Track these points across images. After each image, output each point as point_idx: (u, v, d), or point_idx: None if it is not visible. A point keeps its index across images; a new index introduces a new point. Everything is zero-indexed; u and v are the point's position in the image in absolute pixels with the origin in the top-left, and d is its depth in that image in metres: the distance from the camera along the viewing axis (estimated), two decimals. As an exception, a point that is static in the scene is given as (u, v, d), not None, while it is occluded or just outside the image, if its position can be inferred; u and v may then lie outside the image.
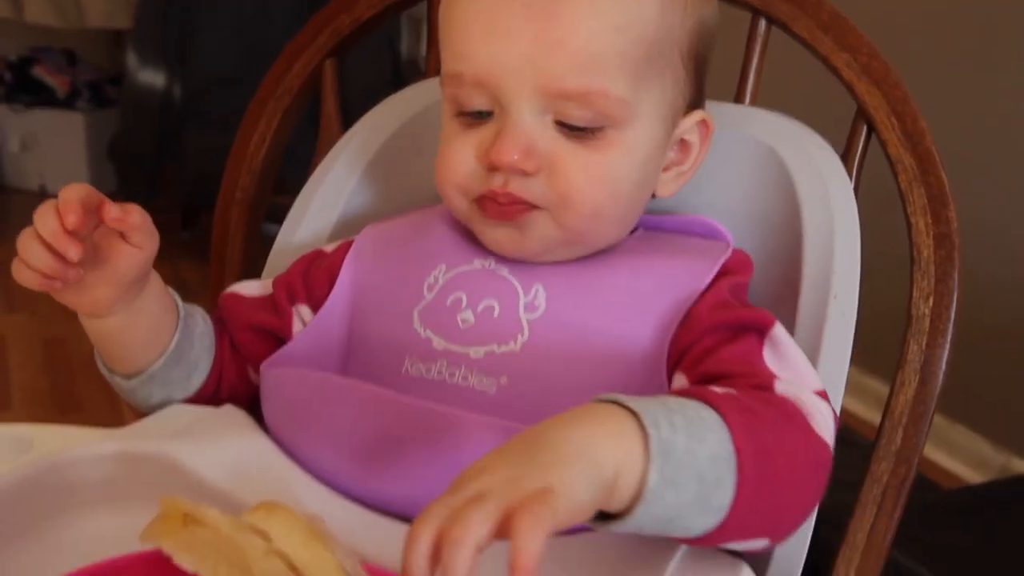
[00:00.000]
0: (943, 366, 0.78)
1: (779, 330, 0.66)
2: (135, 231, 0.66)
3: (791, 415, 0.59)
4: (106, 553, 0.53)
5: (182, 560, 0.53)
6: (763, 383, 0.61)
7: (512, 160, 0.65)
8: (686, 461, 0.51)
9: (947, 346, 0.78)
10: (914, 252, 0.79)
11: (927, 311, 0.78)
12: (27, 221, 0.64)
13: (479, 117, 0.68)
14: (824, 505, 0.72)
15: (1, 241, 3.42)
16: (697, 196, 0.80)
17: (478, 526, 0.44)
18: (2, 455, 0.65)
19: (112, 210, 0.63)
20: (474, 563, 0.43)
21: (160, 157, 3.26)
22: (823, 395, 0.63)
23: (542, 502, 0.44)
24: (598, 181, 0.68)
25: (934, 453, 2.25)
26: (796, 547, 0.71)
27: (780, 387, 0.61)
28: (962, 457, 2.24)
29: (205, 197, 3.15)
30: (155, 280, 0.71)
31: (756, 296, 0.73)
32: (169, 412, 0.72)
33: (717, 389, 0.58)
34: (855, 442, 1.26)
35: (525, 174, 0.66)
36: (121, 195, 3.74)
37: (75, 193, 0.62)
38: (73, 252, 0.61)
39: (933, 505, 1.55)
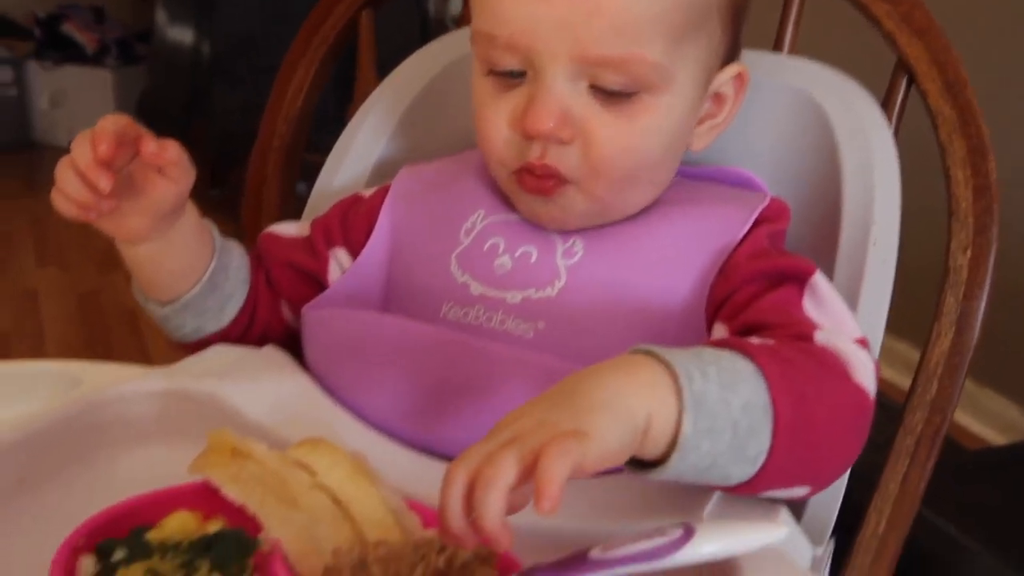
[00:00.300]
0: (980, 318, 0.78)
1: (819, 278, 0.66)
2: (171, 166, 0.67)
3: (830, 364, 0.59)
4: (154, 485, 0.54)
5: (229, 491, 0.54)
6: (803, 333, 0.61)
7: (548, 128, 0.65)
8: (720, 411, 0.52)
9: (984, 298, 0.78)
10: (952, 204, 0.78)
11: (964, 263, 0.78)
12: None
13: (511, 77, 0.67)
14: (854, 465, 0.73)
15: (32, 196, 3.47)
16: (735, 145, 0.80)
17: (509, 468, 0.45)
18: (53, 391, 0.66)
19: (149, 145, 0.64)
20: (504, 503, 0.44)
21: (189, 114, 3.27)
22: (863, 343, 0.63)
23: (572, 438, 0.45)
24: (630, 150, 0.67)
25: (962, 417, 2.25)
26: (830, 498, 0.72)
27: (820, 336, 0.61)
28: (990, 421, 2.24)
29: (234, 154, 3.18)
30: (191, 211, 0.72)
31: (794, 244, 0.74)
32: (212, 352, 0.73)
33: (754, 340, 0.58)
34: (884, 404, 1.26)
35: (561, 142, 0.66)
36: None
37: (111, 124, 0.63)
38: (104, 183, 0.62)
39: (960, 465, 1.55)
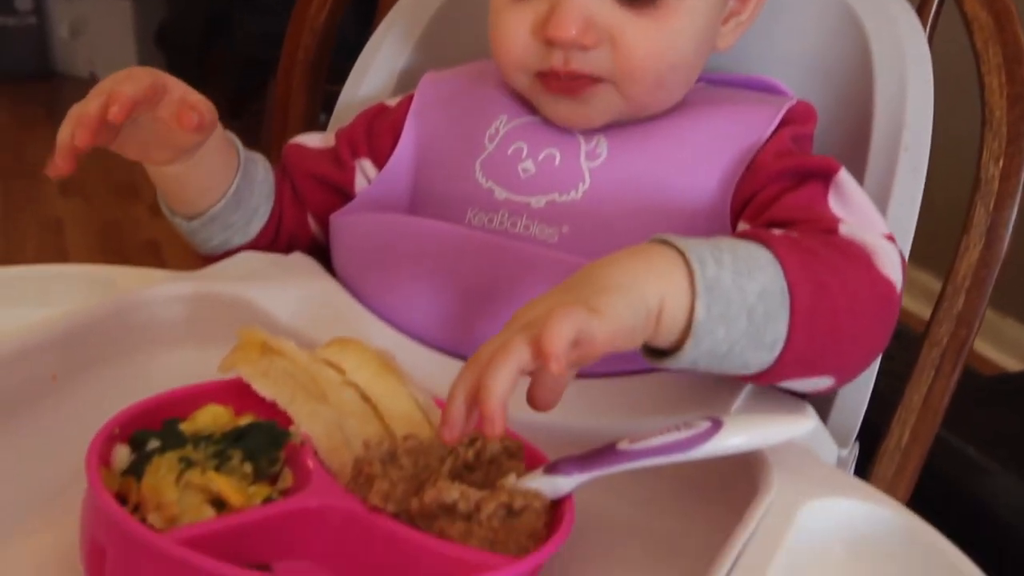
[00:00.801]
0: (1009, 230, 0.78)
1: (844, 175, 0.66)
2: (202, 131, 0.66)
3: (854, 255, 0.58)
4: (186, 383, 0.54)
5: (260, 387, 0.54)
6: (828, 227, 0.61)
7: (571, 35, 0.64)
8: (734, 296, 0.52)
9: (1015, 208, 0.77)
10: (986, 112, 0.77)
11: (996, 173, 0.77)
12: None
13: None
14: (874, 393, 0.73)
15: (53, 125, 3.47)
16: (766, 49, 0.79)
17: (516, 350, 0.45)
18: (87, 293, 0.66)
19: (191, 117, 0.63)
20: (507, 385, 0.45)
21: (208, 43, 3.25)
22: (890, 239, 0.63)
23: (580, 306, 0.46)
24: (659, 52, 0.67)
25: (982, 346, 2.25)
26: (856, 401, 0.72)
27: (844, 229, 0.61)
28: (1011, 350, 2.23)
29: (254, 84, 3.17)
30: (216, 130, 0.72)
31: (824, 149, 0.73)
32: (240, 258, 0.73)
33: (776, 231, 0.58)
34: (905, 334, 1.26)
35: (584, 48, 0.66)
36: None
37: (131, 88, 0.61)
38: (82, 141, 0.61)
39: (980, 390, 1.56)
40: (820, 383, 0.58)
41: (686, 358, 0.52)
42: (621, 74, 0.67)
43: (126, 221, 2.70)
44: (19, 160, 3.13)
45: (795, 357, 0.54)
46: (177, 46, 3.53)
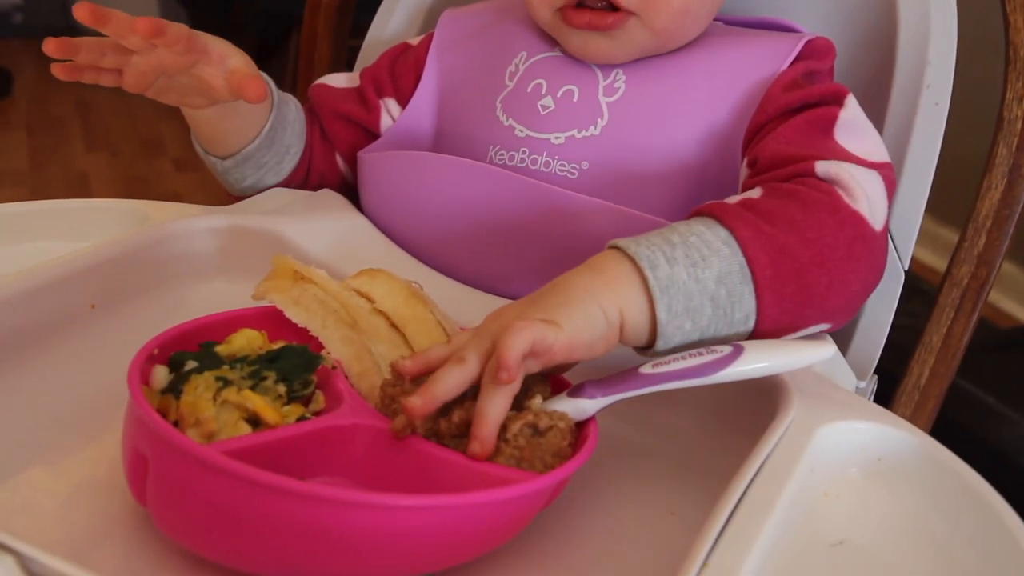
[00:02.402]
0: (1033, 169, 0.78)
1: (851, 101, 0.66)
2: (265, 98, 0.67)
3: (818, 200, 0.58)
4: (220, 311, 0.56)
5: (292, 314, 0.56)
6: (802, 169, 0.61)
7: None
8: (693, 289, 0.53)
9: (1039, 147, 0.77)
10: (1010, 52, 0.77)
11: (1020, 113, 0.77)
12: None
13: None
14: (890, 342, 0.74)
15: (78, 82, 3.49)
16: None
17: (470, 363, 0.49)
18: (122, 226, 0.68)
19: (257, 91, 0.64)
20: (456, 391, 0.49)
21: (229, -1, 3.25)
22: (881, 166, 0.63)
23: (535, 321, 0.49)
24: None
25: (1004, 301, 2.24)
26: (874, 335, 0.73)
27: (820, 168, 0.60)
28: (1029, 303, 2.23)
29: (275, 38, 3.16)
30: None
31: (847, 84, 0.73)
32: (269, 194, 0.75)
33: (733, 199, 0.58)
34: (922, 290, 1.26)
35: None
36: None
37: (179, 30, 0.63)
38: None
39: (998, 340, 1.56)
40: (816, 330, 0.59)
41: (660, 352, 0.54)
42: (647, 2, 0.67)
43: (151, 175, 2.71)
44: (44, 115, 3.14)
45: (773, 323, 0.55)
46: (198, 1, 3.52)
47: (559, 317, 0.50)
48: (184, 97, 0.69)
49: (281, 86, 0.91)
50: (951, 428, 0.91)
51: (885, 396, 0.81)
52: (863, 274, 0.59)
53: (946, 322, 0.81)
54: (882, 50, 0.75)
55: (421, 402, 0.48)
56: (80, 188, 2.64)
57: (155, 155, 2.77)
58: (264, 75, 0.74)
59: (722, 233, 0.55)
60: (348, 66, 0.94)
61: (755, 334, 0.55)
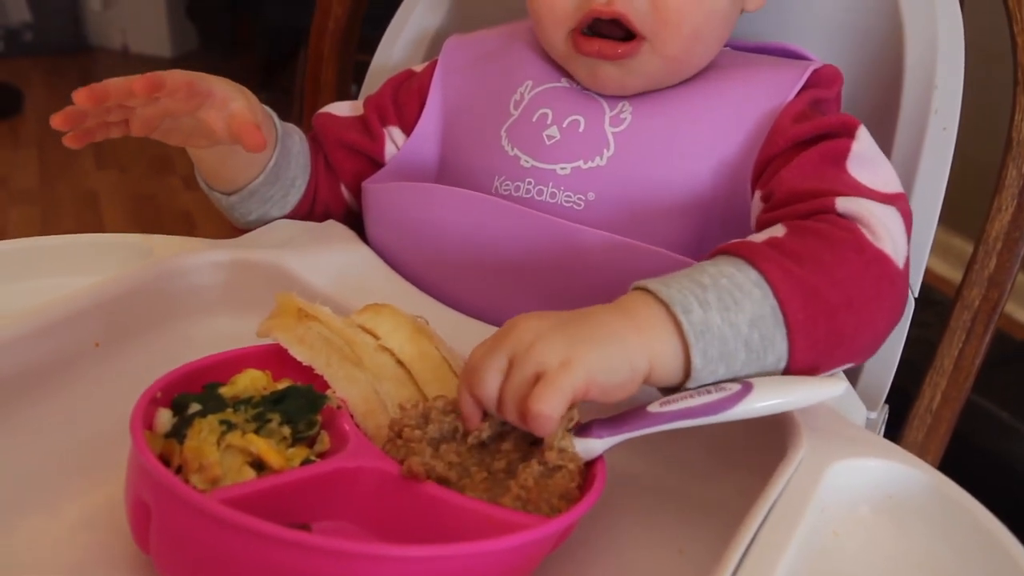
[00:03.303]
0: (1044, 191, 0.77)
1: (863, 133, 0.65)
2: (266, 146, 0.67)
3: (843, 239, 0.57)
4: (222, 350, 0.56)
5: (297, 353, 0.55)
6: (823, 206, 0.60)
7: None
8: (728, 334, 0.52)
9: (1049, 169, 0.77)
10: (1019, 73, 0.77)
11: (1030, 134, 0.77)
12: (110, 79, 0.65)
13: None
14: (904, 359, 0.73)
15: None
16: (795, 10, 0.78)
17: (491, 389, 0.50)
18: (126, 261, 0.68)
19: (257, 141, 0.65)
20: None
21: (238, 13, 3.26)
22: (897, 199, 0.62)
23: (563, 371, 0.48)
24: (694, 4, 0.67)
25: (1016, 310, 2.22)
26: (884, 365, 0.73)
27: (841, 205, 0.60)
28: (1045, 314, 2.21)
29: (282, 55, 3.16)
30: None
31: (854, 110, 0.73)
32: (274, 226, 0.75)
33: (758, 238, 0.57)
34: (935, 300, 1.26)
35: None
36: (201, 53, 3.78)
37: (176, 78, 0.63)
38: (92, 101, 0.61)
39: (1011, 353, 1.55)
40: (840, 369, 0.58)
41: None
42: (659, 22, 0.67)
43: (160, 193, 2.72)
44: (54, 132, 3.14)
45: (803, 365, 0.54)
46: (208, 16, 3.54)
47: (580, 353, 0.49)
48: (189, 138, 0.69)
49: (289, 102, 0.91)
50: (964, 442, 0.91)
51: (898, 414, 0.81)
52: (888, 313, 0.58)
53: (958, 345, 0.81)
54: (889, 75, 0.75)
55: (466, 407, 0.50)
56: (90, 206, 2.65)
57: (164, 173, 2.78)
58: (267, 108, 0.74)
59: (752, 275, 0.54)
60: (356, 82, 0.95)
61: (789, 365, 0.54)
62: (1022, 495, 1.30)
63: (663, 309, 0.52)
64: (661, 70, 0.69)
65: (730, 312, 0.52)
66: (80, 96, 0.60)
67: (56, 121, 0.61)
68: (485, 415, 0.52)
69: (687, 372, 0.52)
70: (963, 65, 0.74)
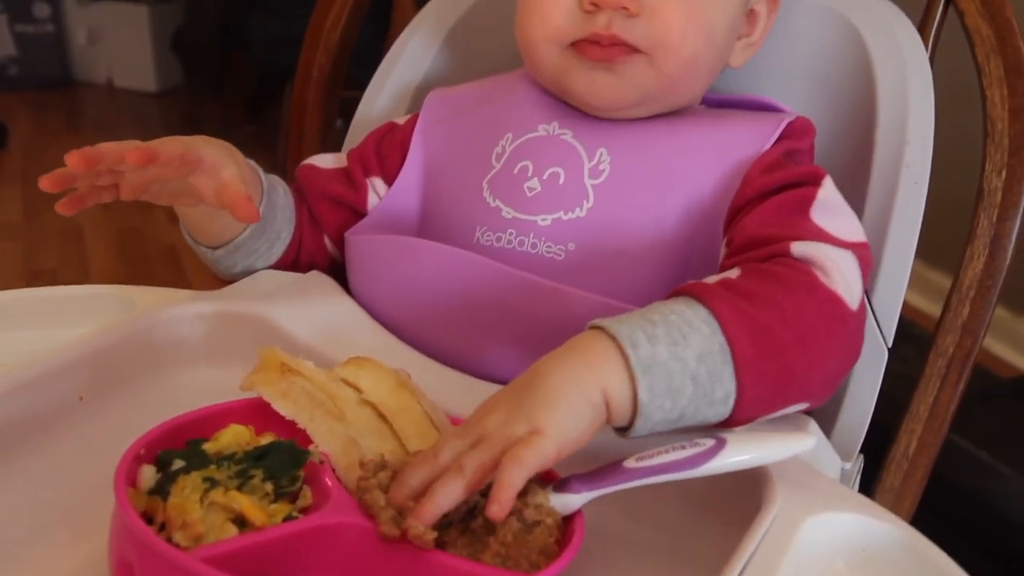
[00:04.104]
0: (1013, 240, 0.79)
1: (827, 185, 0.67)
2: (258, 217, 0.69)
3: (797, 281, 0.59)
4: (206, 403, 0.56)
5: (280, 407, 0.56)
6: (778, 251, 0.61)
7: None
8: (674, 368, 0.53)
9: (1018, 219, 0.78)
10: (988, 125, 0.78)
11: (999, 184, 0.78)
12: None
13: None
14: (884, 394, 0.74)
15: (72, 133, 3.51)
16: (771, 64, 0.80)
17: (453, 492, 0.49)
18: (109, 313, 0.69)
19: (249, 212, 0.66)
20: (435, 516, 0.49)
21: (225, 49, 3.28)
22: (856, 246, 0.64)
23: (527, 445, 0.49)
24: (697, 25, 0.69)
25: (997, 347, 2.25)
26: (858, 416, 0.74)
27: (796, 249, 0.61)
28: (1026, 350, 2.24)
29: (270, 89, 3.18)
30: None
31: (828, 162, 0.74)
32: (258, 277, 0.75)
33: (712, 279, 0.59)
34: (915, 334, 1.27)
35: (629, 14, 0.67)
36: (186, 88, 3.80)
37: (169, 148, 0.63)
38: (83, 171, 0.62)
39: (993, 392, 1.56)
40: (793, 410, 0.59)
41: (639, 432, 0.54)
42: (659, 43, 0.68)
43: (145, 227, 2.72)
44: (39, 166, 3.15)
45: (752, 403, 0.55)
46: (194, 52, 3.56)
47: (544, 421, 0.50)
48: (176, 199, 0.70)
49: (275, 136, 0.92)
50: (941, 480, 0.92)
51: (878, 453, 0.82)
52: (841, 354, 0.60)
53: (932, 391, 0.82)
54: (863, 129, 0.77)
55: (423, 523, 0.48)
56: (74, 240, 2.65)
57: (149, 207, 2.77)
58: (252, 163, 0.75)
59: (702, 312, 0.55)
60: (343, 116, 0.95)
61: (734, 413, 0.55)
62: (1001, 534, 1.32)
63: (612, 344, 0.53)
64: (655, 85, 0.70)
65: (677, 347, 0.53)
66: (73, 159, 0.60)
67: (45, 183, 0.62)
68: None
69: (635, 407, 0.53)
70: (933, 121, 0.76)
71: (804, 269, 0.60)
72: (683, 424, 0.55)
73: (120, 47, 3.78)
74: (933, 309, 0.82)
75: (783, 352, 0.56)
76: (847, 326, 0.60)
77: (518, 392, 0.53)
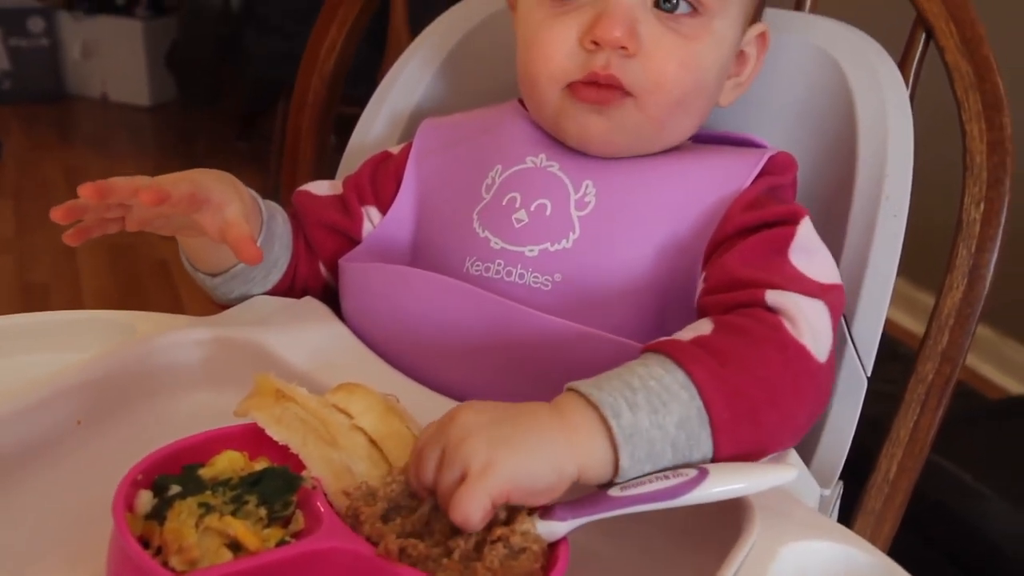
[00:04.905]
0: (991, 270, 0.81)
1: (805, 226, 0.69)
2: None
3: (766, 336, 0.60)
4: (202, 427, 0.58)
5: (274, 432, 0.57)
6: (751, 298, 0.63)
7: (617, 37, 0.68)
8: (656, 436, 0.55)
9: (996, 251, 0.80)
10: (967, 159, 0.81)
11: (977, 216, 0.80)
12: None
13: (570, 1, 0.71)
14: (867, 415, 0.76)
15: (66, 147, 3.52)
16: (755, 103, 0.82)
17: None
18: (108, 338, 0.70)
19: (251, 252, 0.67)
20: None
21: (219, 64, 3.29)
22: (829, 290, 0.65)
23: (483, 476, 0.50)
24: (688, 68, 0.71)
25: (983, 367, 2.27)
26: (837, 443, 0.75)
27: (770, 299, 0.63)
28: (1012, 371, 2.25)
29: (264, 104, 3.19)
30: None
31: (810, 195, 0.76)
32: (254, 303, 0.77)
33: (685, 335, 0.60)
34: (901, 354, 1.28)
35: (628, 54, 0.69)
36: (180, 102, 3.81)
37: (180, 189, 0.65)
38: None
39: (978, 413, 1.58)
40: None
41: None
42: (649, 85, 0.70)
43: (138, 242, 2.73)
44: (33, 181, 3.17)
45: (729, 459, 0.57)
46: (188, 67, 3.57)
47: (502, 456, 0.51)
48: (179, 231, 0.72)
49: (267, 155, 0.94)
50: (924, 502, 0.93)
51: (860, 473, 0.83)
52: (809, 407, 0.62)
53: (912, 417, 0.83)
54: (844, 162, 0.79)
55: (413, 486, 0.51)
56: (66, 256, 2.66)
57: (142, 222, 2.80)
58: (253, 193, 0.76)
59: (680, 377, 0.57)
60: (338, 132, 0.97)
61: (714, 459, 0.57)
62: (983, 555, 1.33)
63: (595, 412, 0.55)
64: (644, 128, 0.72)
65: (658, 415, 0.55)
66: (87, 191, 0.62)
67: (57, 215, 0.63)
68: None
69: (616, 471, 0.54)
70: (912, 155, 0.78)
71: (775, 323, 0.61)
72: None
73: (114, 61, 3.79)
74: (920, 328, 0.84)
75: (756, 412, 0.58)
76: (815, 379, 0.62)
77: (495, 416, 0.54)
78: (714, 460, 0.57)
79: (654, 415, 0.55)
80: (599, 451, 0.54)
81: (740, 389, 0.57)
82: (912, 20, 0.84)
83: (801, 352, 0.61)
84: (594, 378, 0.57)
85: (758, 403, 0.58)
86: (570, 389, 0.56)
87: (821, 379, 0.62)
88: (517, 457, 0.52)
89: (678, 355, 0.58)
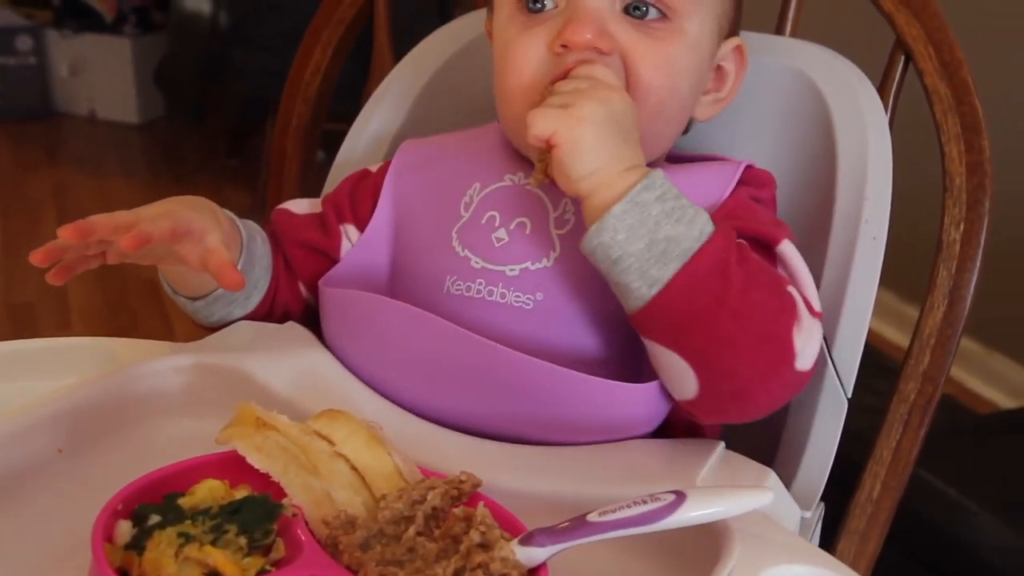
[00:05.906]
0: (971, 291, 0.81)
1: (787, 247, 0.70)
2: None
3: (786, 303, 0.64)
4: (184, 455, 0.58)
5: (255, 461, 0.57)
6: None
7: (586, 39, 0.69)
8: (648, 221, 0.62)
9: (976, 271, 0.81)
10: (947, 180, 0.81)
11: (957, 237, 0.81)
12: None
13: (542, 11, 0.72)
14: (853, 429, 0.77)
15: (53, 166, 3.51)
16: (736, 125, 0.83)
17: None
18: (89, 366, 0.70)
19: (228, 279, 0.68)
20: None
21: (207, 82, 3.29)
22: (817, 315, 0.67)
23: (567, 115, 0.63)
24: (663, 72, 0.71)
25: (971, 381, 2.27)
26: (818, 467, 0.76)
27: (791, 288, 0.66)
28: (999, 385, 2.26)
29: (251, 122, 3.19)
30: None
31: (790, 217, 0.76)
32: (236, 328, 0.77)
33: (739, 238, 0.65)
34: (888, 368, 1.29)
35: (600, 53, 0.69)
36: (168, 120, 3.81)
37: (161, 227, 0.66)
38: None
39: (960, 427, 1.58)
40: (682, 374, 0.63)
41: (589, 240, 0.63)
42: (628, 88, 0.70)
43: (126, 263, 2.73)
44: (20, 199, 3.16)
45: (665, 309, 0.61)
46: (176, 84, 3.57)
47: (580, 136, 0.63)
48: (160, 261, 0.73)
49: (256, 172, 0.94)
50: (909, 517, 0.93)
51: (846, 486, 0.84)
52: (759, 367, 0.64)
53: (895, 436, 0.84)
54: (823, 185, 0.79)
55: None
56: (54, 274, 2.65)
57: (130, 239, 2.79)
58: (230, 215, 0.76)
59: (709, 227, 0.63)
60: (324, 148, 0.98)
61: (647, 307, 0.62)
62: (968, 570, 1.33)
63: (642, 175, 0.63)
64: None
65: (668, 216, 0.62)
66: (67, 232, 0.62)
67: (36, 258, 0.64)
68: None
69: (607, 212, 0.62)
70: (891, 177, 0.78)
71: (793, 301, 0.65)
72: (614, 274, 0.63)
73: (102, 79, 3.78)
74: (908, 342, 0.85)
75: (721, 304, 0.61)
76: (781, 362, 0.64)
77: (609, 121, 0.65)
78: (660, 293, 0.62)
79: (664, 215, 0.63)
80: (619, 191, 0.63)
81: (728, 281, 0.62)
82: (891, 43, 0.85)
83: (789, 338, 0.64)
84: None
85: (728, 302, 0.62)
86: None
87: (795, 376, 0.65)
88: (590, 138, 0.63)
89: (723, 225, 0.65)
